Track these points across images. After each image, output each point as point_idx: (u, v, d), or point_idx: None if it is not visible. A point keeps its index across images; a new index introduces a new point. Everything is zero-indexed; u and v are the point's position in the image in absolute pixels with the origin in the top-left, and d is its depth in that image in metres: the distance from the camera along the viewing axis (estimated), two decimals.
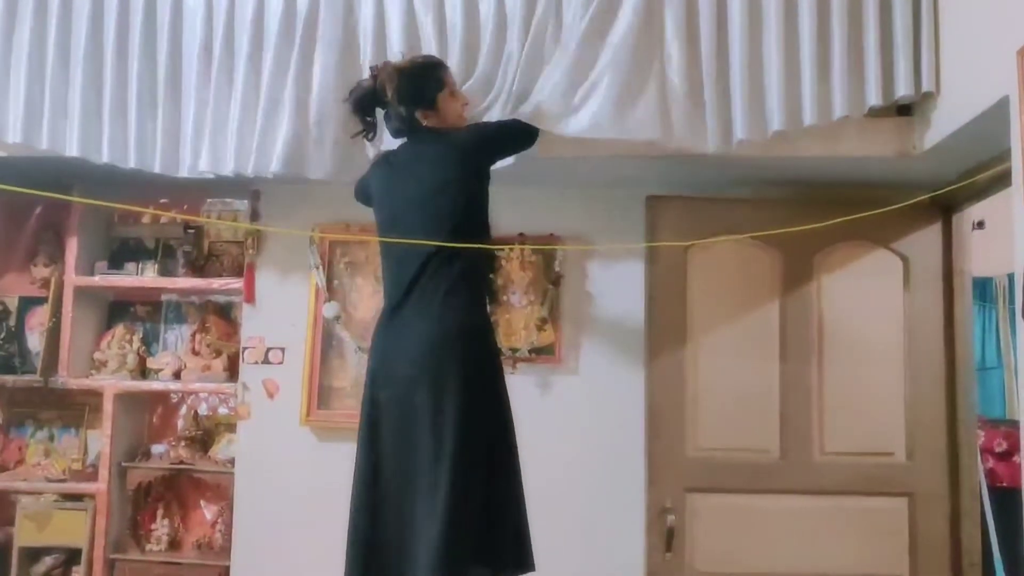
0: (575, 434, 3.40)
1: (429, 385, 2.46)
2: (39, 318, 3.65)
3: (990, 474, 3.87)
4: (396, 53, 2.95)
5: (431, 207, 2.59)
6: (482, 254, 2.65)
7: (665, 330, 3.30)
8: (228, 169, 3.07)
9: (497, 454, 2.53)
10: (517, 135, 2.80)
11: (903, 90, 2.85)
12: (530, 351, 3.39)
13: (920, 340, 3.31)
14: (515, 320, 3.38)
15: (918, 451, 3.27)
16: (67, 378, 3.50)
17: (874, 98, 2.87)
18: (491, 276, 3.37)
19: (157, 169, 3.12)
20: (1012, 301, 3.72)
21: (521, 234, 3.42)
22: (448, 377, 2.46)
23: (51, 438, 3.66)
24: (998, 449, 3.92)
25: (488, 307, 2.98)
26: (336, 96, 2.97)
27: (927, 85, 2.84)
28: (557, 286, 3.46)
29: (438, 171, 2.61)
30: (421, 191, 2.61)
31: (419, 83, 2.70)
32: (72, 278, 3.55)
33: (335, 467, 3.34)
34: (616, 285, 3.47)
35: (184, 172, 3.12)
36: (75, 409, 3.66)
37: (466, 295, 2.56)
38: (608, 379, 3.45)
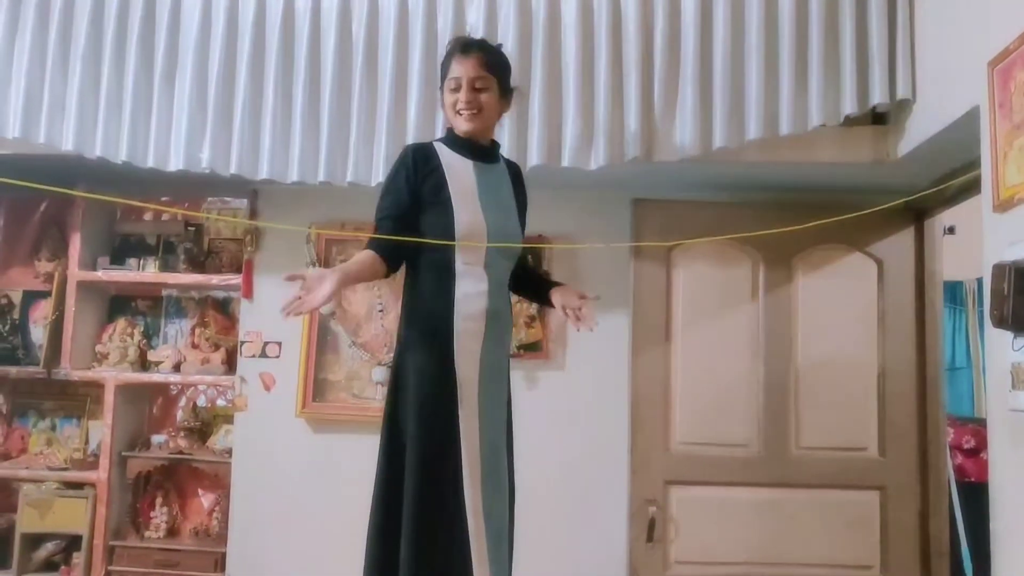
0: (562, 428, 3.51)
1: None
2: (42, 311, 3.74)
3: (958, 469, 3.98)
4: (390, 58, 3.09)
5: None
6: None
7: (649, 328, 3.43)
8: (229, 169, 3.13)
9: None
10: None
11: (878, 98, 2.97)
12: (519, 347, 3.50)
13: (893, 340, 3.45)
14: None
15: (890, 447, 3.41)
16: (69, 370, 3.59)
17: (850, 107, 2.99)
18: None
19: (150, 163, 3.15)
20: (981, 304, 3.85)
21: None
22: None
23: (53, 428, 3.76)
24: (966, 446, 4.04)
25: None
26: (342, 97, 3.09)
27: (902, 93, 2.96)
28: None
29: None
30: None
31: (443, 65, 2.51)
32: (75, 272, 3.64)
33: (329, 457, 3.47)
34: (603, 284, 3.54)
35: (178, 167, 3.14)
36: (77, 400, 3.76)
37: None
38: (594, 375, 3.55)
